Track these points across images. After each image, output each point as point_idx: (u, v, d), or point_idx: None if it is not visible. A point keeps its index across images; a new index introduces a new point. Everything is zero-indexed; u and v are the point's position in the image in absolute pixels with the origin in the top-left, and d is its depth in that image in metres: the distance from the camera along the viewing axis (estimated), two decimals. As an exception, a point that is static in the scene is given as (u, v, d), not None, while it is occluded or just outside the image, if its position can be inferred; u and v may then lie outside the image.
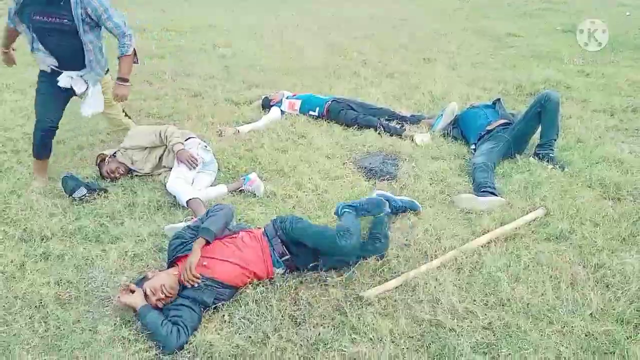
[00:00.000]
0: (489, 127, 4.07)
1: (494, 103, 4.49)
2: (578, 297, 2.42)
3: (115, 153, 3.73)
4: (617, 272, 2.56)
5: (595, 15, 10.14)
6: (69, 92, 3.54)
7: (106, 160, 3.69)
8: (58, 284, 2.59)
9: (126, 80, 3.59)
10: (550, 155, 3.79)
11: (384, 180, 3.67)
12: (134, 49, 3.54)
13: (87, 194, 3.37)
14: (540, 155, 3.81)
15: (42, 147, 3.56)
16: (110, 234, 3.02)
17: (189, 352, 2.17)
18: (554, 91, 3.94)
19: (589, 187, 3.44)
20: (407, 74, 6.46)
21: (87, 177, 3.71)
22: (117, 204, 3.33)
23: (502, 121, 4.10)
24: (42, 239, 2.96)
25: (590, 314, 2.33)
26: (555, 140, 3.87)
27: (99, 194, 3.42)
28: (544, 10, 11.30)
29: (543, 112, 3.80)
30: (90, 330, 2.30)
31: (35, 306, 2.44)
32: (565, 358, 2.08)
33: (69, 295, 2.52)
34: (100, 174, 3.69)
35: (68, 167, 3.86)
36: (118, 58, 3.54)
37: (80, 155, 4.11)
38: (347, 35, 8.97)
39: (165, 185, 3.46)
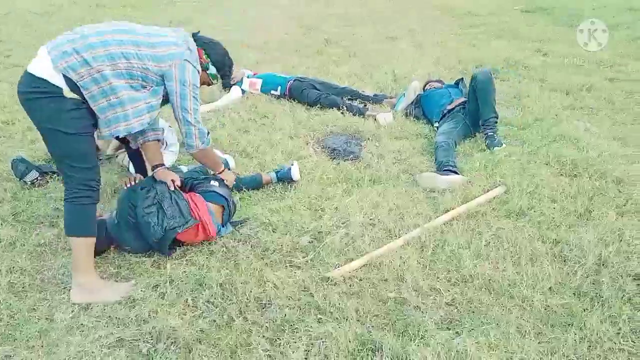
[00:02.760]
0: (449, 106, 4.11)
1: (456, 82, 4.53)
2: (537, 271, 2.49)
3: None
4: (574, 247, 2.64)
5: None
6: None
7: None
8: (11, 272, 2.47)
9: None
10: (489, 133, 3.85)
11: (347, 160, 3.66)
12: None
13: (39, 178, 3.22)
14: (483, 134, 3.89)
15: None
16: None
17: (152, 337, 2.11)
18: (483, 71, 4.00)
19: (547, 164, 3.53)
20: (370, 53, 6.44)
21: (38, 160, 3.54)
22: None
23: (463, 99, 4.15)
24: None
25: (549, 287, 2.39)
26: (492, 118, 3.89)
27: (51, 177, 3.28)
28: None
29: (477, 93, 3.86)
30: (46, 318, 2.21)
31: (-13, 295, 2.32)
32: (526, 331, 2.13)
33: (23, 283, 2.41)
34: None
35: (18, 149, 3.68)
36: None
37: (30, 137, 3.91)
38: (310, 11, 8.85)
39: (124, 167, 3.34)
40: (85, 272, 2.34)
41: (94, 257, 2.43)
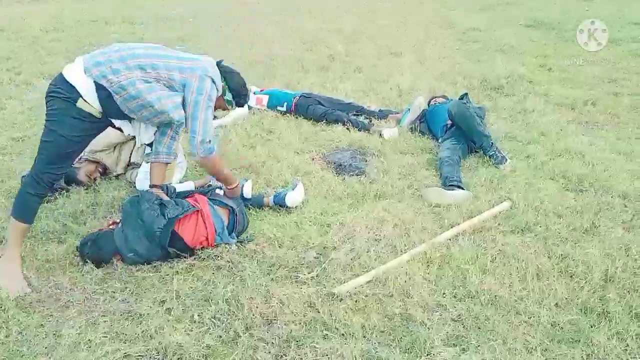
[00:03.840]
0: (448, 123, 4.12)
1: (461, 97, 4.55)
2: (544, 287, 2.48)
3: (81, 158, 3.49)
4: (580, 262, 2.63)
5: (556, 9, 10.43)
6: None
7: (78, 165, 3.45)
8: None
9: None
10: (490, 154, 3.82)
11: (353, 175, 3.68)
12: None
13: (48, 194, 3.25)
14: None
15: None
16: (73, 234, 2.92)
17: (158, 354, 2.12)
18: (453, 104, 4.01)
19: (552, 179, 3.53)
20: (374, 68, 6.49)
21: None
22: (80, 204, 3.23)
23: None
24: (1, 242, 2.85)
25: (556, 303, 2.38)
26: (485, 142, 3.86)
27: (60, 194, 3.31)
28: (507, 5, 11.52)
29: (459, 125, 3.92)
30: (54, 334, 2.22)
31: (-5, 311, 2.34)
32: (532, 348, 2.12)
33: (31, 299, 2.43)
34: (76, 182, 3.44)
35: (28, 166, 3.72)
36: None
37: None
38: (313, 26, 8.95)
39: (132, 184, 3.37)
40: (11, 249, 2.58)
41: (102, 265, 2.65)
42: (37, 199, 2.61)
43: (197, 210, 2.77)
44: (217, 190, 3.10)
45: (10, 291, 2.43)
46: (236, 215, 2.87)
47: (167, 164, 2.96)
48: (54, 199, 3.28)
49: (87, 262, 2.65)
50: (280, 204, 3.22)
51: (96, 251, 2.64)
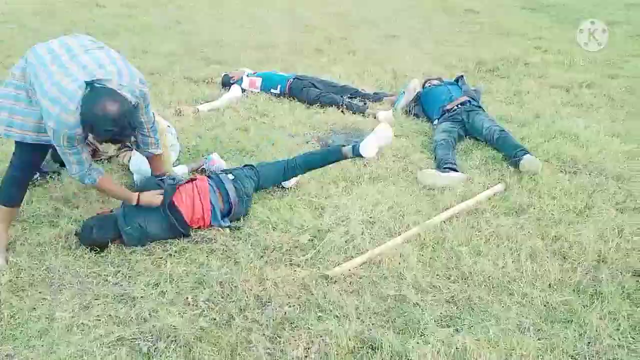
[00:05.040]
0: (449, 105, 4.10)
1: (456, 80, 4.53)
2: (537, 268, 2.49)
3: None
4: (573, 244, 2.65)
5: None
6: None
7: None
8: (11, 271, 2.47)
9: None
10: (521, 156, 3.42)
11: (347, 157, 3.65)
12: None
13: (39, 177, 3.22)
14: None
15: None
16: (65, 218, 2.90)
17: (152, 336, 2.11)
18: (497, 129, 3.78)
19: (547, 161, 3.52)
20: (370, 51, 6.44)
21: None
22: (72, 187, 3.20)
23: (463, 99, 4.13)
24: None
25: (549, 284, 2.40)
26: (514, 155, 3.48)
27: (51, 177, 3.28)
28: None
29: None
30: (47, 318, 2.21)
31: (-13, 295, 2.33)
32: (525, 328, 2.13)
33: (23, 282, 2.41)
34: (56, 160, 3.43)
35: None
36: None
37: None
38: (311, 11, 8.86)
39: (124, 166, 3.35)
40: None
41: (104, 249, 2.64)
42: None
43: (193, 181, 2.84)
44: (224, 176, 2.98)
45: None
46: (231, 204, 2.86)
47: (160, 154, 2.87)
48: (45, 182, 3.25)
49: (92, 248, 2.63)
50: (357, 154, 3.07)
51: (103, 234, 2.63)
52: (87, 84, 2.21)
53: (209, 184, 2.88)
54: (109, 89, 2.24)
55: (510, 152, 3.49)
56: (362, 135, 4.00)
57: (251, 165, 3.13)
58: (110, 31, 7.08)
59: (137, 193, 2.72)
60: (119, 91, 2.26)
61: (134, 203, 2.69)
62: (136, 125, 2.42)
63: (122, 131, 2.25)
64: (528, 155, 3.36)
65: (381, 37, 7.25)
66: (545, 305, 2.27)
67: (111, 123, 2.19)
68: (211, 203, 2.80)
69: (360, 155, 3.05)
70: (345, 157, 3.13)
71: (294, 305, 2.29)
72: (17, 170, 2.61)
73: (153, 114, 2.73)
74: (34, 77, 2.33)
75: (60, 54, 2.34)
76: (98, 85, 2.22)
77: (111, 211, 2.79)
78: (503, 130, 3.71)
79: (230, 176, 2.96)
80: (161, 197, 2.72)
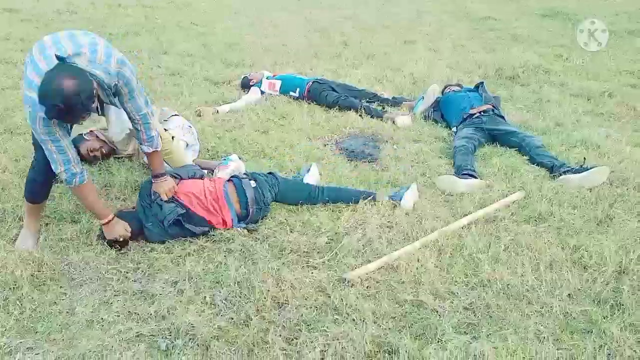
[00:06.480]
0: (471, 111, 4.08)
1: (477, 86, 4.51)
2: (556, 278, 2.47)
3: (92, 131, 3.49)
4: (594, 254, 2.61)
5: (572, 0, 10.27)
6: None
7: (85, 137, 3.43)
8: (33, 265, 2.51)
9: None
10: (563, 169, 3.40)
11: (365, 162, 3.66)
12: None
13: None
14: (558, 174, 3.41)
15: None
16: (86, 214, 2.93)
17: (170, 333, 2.13)
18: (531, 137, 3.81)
19: (567, 170, 3.48)
20: (388, 56, 6.44)
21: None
22: (94, 184, 3.24)
23: (485, 107, 4.11)
24: (15, 219, 2.87)
25: (569, 294, 2.37)
26: (551, 164, 3.48)
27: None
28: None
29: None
30: (67, 312, 2.25)
31: (10, 288, 2.36)
32: (544, 337, 2.11)
33: (45, 277, 2.45)
34: (79, 153, 3.48)
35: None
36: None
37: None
38: (327, 15, 8.88)
39: (144, 165, 3.38)
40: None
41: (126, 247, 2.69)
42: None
43: (203, 178, 2.94)
44: (246, 181, 2.94)
45: (17, 244, 2.65)
46: (249, 211, 2.85)
47: (155, 151, 2.72)
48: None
49: (114, 245, 2.66)
50: (395, 201, 3.09)
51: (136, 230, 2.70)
52: (58, 58, 2.17)
53: (226, 188, 2.88)
54: (73, 66, 2.19)
55: (555, 162, 3.46)
56: (380, 140, 4.01)
57: (274, 175, 3.07)
58: (132, 31, 7.17)
59: (111, 215, 2.61)
60: (86, 68, 2.22)
61: (103, 222, 2.59)
62: (90, 108, 2.22)
63: (70, 109, 2.13)
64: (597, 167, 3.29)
65: (397, 42, 7.25)
66: (564, 315, 2.25)
67: (61, 99, 2.08)
68: (228, 205, 2.81)
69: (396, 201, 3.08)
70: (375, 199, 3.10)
71: (310, 308, 2.29)
72: (36, 171, 2.65)
73: (166, 110, 2.74)
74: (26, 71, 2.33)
75: (47, 45, 2.32)
76: (66, 62, 2.18)
77: (133, 208, 2.83)
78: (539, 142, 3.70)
79: (253, 183, 2.92)
80: (128, 233, 2.64)
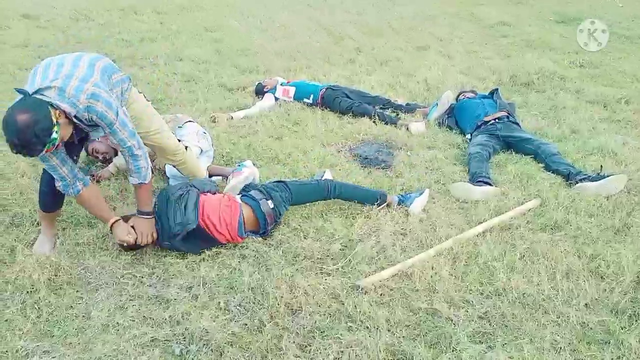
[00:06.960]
0: (486, 119, 4.07)
1: (491, 93, 4.48)
2: (573, 287, 2.44)
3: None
4: (611, 263, 2.58)
5: (588, 5, 10.18)
6: None
7: (97, 138, 3.35)
8: (50, 269, 2.54)
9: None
10: (579, 177, 3.35)
11: (379, 168, 3.66)
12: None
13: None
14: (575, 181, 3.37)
15: None
16: (102, 219, 2.97)
17: (185, 339, 2.15)
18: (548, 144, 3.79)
19: (584, 178, 3.44)
20: (400, 62, 6.43)
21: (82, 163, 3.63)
22: (109, 189, 3.28)
23: (500, 114, 4.09)
24: (33, 224, 2.91)
25: (585, 304, 2.34)
26: (567, 172, 3.44)
27: (91, 180, 3.35)
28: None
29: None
30: (83, 316, 2.27)
31: (27, 291, 2.39)
32: (561, 348, 2.09)
33: (62, 281, 2.48)
34: (86, 149, 3.41)
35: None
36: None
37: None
38: (336, 18, 8.92)
39: (160, 171, 3.42)
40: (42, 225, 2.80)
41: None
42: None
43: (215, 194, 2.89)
44: (264, 202, 2.85)
45: (34, 249, 2.70)
46: (267, 231, 2.84)
47: (142, 184, 2.63)
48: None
49: (126, 249, 2.69)
50: (404, 205, 3.12)
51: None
52: (19, 92, 2.20)
53: (242, 217, 2.77)
54: (33, 98, 2.19)
55: (572, 170, 3.43)
56: (393, 147, 4.00)
57: (285, 184, 2.97)
58: (148, 37, 7.24)
59: (114, 218, 2.63)
60: (51, 100, 2.20)
61: (108, 225, 2.63)
62: (46, 141, 2.16)
63: (26, 145, 2.13)
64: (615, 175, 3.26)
65: (410, 48, 7.24)
66: (581, 325, 2.22)
67: (14, 133, 2.09)
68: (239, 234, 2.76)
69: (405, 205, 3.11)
70: (386, 203, 3.10)
71: (324, 315, 2.29)
72: (42, 182, 2.71)
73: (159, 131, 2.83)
74: None
75: (37, 71, 2.36)
76: (31, 95, 2.19)
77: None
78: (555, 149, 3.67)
79: (271, 204, 2.83)
80: (131, 238, 2.60)
